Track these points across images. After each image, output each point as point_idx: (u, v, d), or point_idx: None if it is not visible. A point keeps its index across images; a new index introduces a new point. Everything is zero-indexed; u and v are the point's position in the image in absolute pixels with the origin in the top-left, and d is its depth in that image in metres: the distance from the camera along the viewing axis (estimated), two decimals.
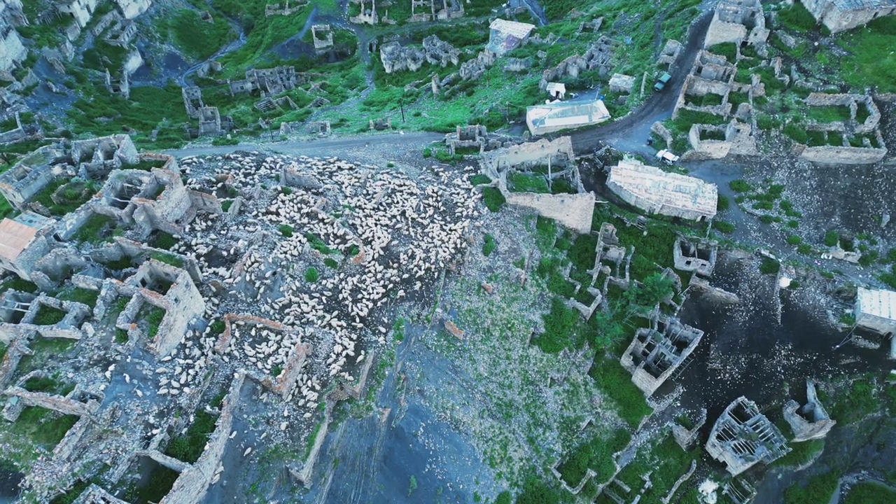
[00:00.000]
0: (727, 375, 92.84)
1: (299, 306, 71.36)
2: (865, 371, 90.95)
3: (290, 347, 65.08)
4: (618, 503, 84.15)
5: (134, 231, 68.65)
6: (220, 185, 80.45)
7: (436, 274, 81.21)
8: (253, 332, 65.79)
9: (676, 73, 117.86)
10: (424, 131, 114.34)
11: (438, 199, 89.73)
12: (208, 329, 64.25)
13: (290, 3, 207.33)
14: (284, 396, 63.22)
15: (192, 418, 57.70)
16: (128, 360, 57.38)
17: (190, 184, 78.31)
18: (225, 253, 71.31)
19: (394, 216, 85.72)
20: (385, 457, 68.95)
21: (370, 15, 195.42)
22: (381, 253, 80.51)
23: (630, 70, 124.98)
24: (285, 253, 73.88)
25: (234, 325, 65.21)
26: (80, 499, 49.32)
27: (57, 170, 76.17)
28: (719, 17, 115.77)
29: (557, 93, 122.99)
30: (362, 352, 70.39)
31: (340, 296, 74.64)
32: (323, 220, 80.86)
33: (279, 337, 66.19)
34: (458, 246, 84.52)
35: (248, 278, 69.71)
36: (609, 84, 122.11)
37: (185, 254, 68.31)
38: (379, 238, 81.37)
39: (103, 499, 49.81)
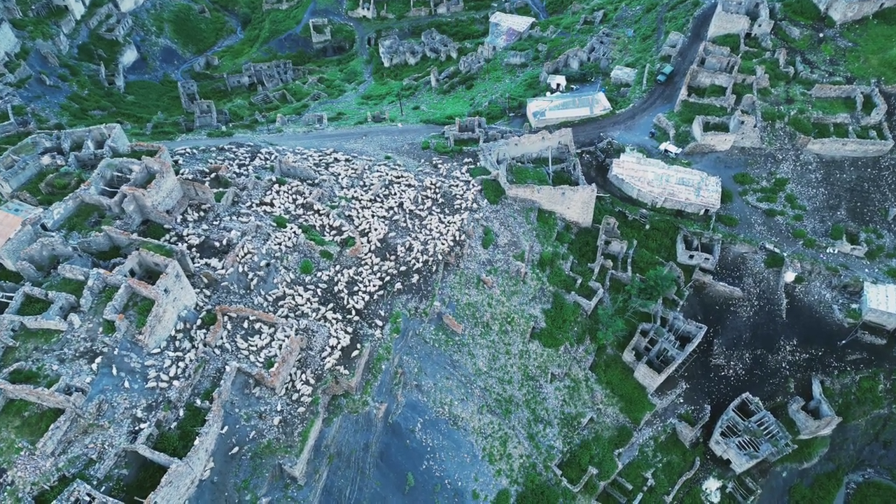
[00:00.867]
0: (731, 371, 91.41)
1: (293, 298, 69.55)
2: (872, 367, 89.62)
3: (283, 340, 63.34)
4: (620, 501, 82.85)
5: (123, 221, 66.88)
6: (213, 175, 78.47)
7: (434, 267, 79.42)
8: (245, 325, 64.03)
9: (679, 65, 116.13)
10: (422, 124, 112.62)
11: (437, 190, 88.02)
12: (199, 321, 62.27)
13: None
14: (278, 390, 61.51)
15: (181, 412, 55.87)
16: (115, 353, 55.56)
17: (182, 174, 76.48)
18: (217, 244, 69.46)
19: (391, 208, 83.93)
20: (381, 453, 67.25)
21: (368, 9, 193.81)
22: (378, 245, 78.71)
23: (632, 62, 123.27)
24: (279, 244, 72.13)
25: (225, 318, 63.37)
26: (65, 494, 47.47)
27: (46, 159, 74.71)
28: (723, 8, 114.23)
29: (558, 85, 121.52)
30: (358, 345, 68.69)
31: (336, 288, 72.88)
32: (318, 211, 79.07)
33: (272, 329, 64.40)
34: (457, 238, 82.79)
35: (240, 269, 67.99)
36: (611, 76, 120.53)
37: (177, 244, 66.47)
38: (376, 230, 79.58)
39: (88, 494, 47.98)
